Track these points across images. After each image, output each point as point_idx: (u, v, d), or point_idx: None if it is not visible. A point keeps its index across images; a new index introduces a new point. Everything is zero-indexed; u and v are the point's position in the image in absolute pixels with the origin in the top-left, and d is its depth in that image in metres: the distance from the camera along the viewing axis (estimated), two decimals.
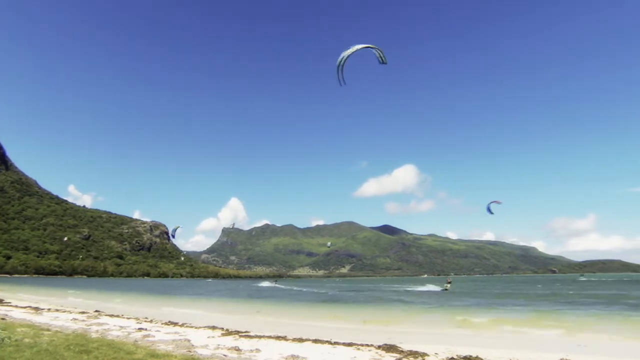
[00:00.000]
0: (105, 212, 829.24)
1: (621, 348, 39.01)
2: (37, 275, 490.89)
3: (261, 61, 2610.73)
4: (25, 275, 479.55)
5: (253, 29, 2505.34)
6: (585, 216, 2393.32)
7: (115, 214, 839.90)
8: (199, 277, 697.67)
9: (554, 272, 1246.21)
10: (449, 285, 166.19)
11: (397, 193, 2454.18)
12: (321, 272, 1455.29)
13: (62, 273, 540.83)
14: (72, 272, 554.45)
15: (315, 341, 38.42)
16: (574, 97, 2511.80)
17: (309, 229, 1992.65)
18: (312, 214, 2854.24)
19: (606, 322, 57.51)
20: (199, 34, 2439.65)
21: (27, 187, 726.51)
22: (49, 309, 69.80)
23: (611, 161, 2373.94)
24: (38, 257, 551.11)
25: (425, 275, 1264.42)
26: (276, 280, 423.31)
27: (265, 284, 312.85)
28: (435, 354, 32.66)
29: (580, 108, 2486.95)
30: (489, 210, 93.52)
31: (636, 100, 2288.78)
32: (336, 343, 37.42)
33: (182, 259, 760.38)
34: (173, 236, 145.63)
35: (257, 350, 32.72)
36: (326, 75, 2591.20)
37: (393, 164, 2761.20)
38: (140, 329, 45.06)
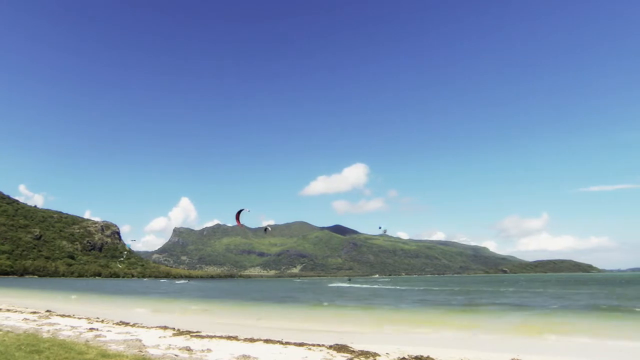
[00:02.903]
0: (56, 212, 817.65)
1: (568, 347, 40.11)
2: None
3: (209, 61, 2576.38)
4: None
5: (196, 28, 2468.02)
6: (538, 216, 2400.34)
7: (66, 214, 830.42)
8: (150, 277, 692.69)
9: (505, 272, 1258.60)
10: None
11: (345, 192, 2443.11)
12: (272, 272, 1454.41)
13: (13, 273, 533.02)
14: (23, 272, 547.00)
15: (267, 341, 38.97)
16: (526, 97, 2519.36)
17: (260, 229, 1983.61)
18: (263, 214, 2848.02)
19: (553, 322, 58.83)
20: (143, 32, 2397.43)
21: None
22: None
23: (562, 160, 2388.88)
24: None
25: (377, 275, 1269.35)
26: (188, 281, 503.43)
27: (182, 281, 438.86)
28: (387, 354, 33.24)
29: (533, 108, 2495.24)
30: None
31: (589, 100, 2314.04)
32: (287, 343, 37.97)
33: (123, 259, 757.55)
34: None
35: (209, 350, 33.07)
36: (274, 76, 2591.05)
37: (343, 162, 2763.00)
38: (91, 329, 45.15)
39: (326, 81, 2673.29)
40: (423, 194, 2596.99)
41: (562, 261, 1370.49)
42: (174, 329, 47.41)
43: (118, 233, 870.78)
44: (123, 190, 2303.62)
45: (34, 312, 65.20)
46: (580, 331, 49.67)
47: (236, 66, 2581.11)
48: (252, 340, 39.53)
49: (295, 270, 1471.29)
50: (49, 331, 41.90)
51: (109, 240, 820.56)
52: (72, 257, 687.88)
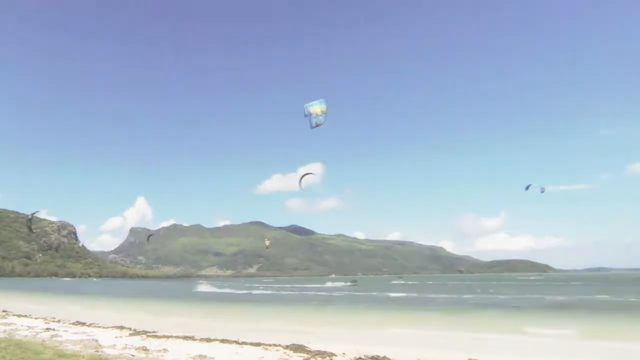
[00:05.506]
0: (13, 211, 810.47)
1: (527, 346, 41.06)
2: None
3: (167, 56, 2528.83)
4: None
5: (156, 26, 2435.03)
6: (496, 215, 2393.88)
7: (23, 213, 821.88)
8: (107, 277, 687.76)
9: (461, 272, 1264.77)
10: None
11: (300, 190, 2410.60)
12: (229, 272, 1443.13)
13: None
14: None
15: (223, 341, 39.26)
16: (484, 96, 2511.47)
17: (216, 229, 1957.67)
18: (218, 214, 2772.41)
19: (510, 322, 59.89)
20: (99, 28, 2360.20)
21: None
22: None
23: (520, 159, 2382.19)
24: None
25: (334, 275, 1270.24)
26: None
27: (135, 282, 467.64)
28: (343, 353, 33.80)
29: (491, 106, 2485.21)
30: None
31: (547, 100, 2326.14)
32: (244, 343, 38.28)
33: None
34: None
35: (165, 350, 33.37)
36: (229, 72, 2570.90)
37: (297, 161, 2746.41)
38: (48, 329, 45.17)
39: (282, 78, 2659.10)
40: (379, 193, 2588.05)
41: (519, 261, 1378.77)
42: (130, 328, 47.55)
43: (75, 233, 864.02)
44: (78, 190, 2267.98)
45: None
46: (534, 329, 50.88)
47: (191, 62, 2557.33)
48: (208, 340, 39.74)
49: (252, 270, 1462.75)
50: (5, 331, 41.91)
51: (65, 240, 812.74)
52: (29, 257, 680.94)
